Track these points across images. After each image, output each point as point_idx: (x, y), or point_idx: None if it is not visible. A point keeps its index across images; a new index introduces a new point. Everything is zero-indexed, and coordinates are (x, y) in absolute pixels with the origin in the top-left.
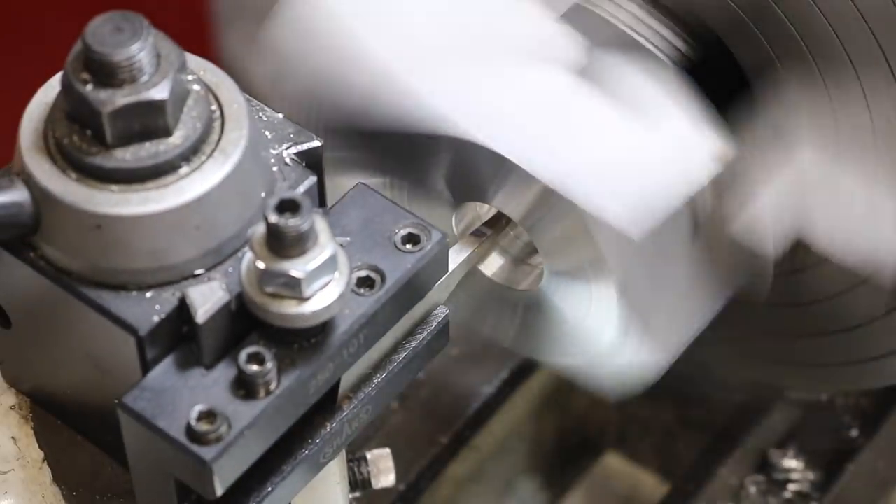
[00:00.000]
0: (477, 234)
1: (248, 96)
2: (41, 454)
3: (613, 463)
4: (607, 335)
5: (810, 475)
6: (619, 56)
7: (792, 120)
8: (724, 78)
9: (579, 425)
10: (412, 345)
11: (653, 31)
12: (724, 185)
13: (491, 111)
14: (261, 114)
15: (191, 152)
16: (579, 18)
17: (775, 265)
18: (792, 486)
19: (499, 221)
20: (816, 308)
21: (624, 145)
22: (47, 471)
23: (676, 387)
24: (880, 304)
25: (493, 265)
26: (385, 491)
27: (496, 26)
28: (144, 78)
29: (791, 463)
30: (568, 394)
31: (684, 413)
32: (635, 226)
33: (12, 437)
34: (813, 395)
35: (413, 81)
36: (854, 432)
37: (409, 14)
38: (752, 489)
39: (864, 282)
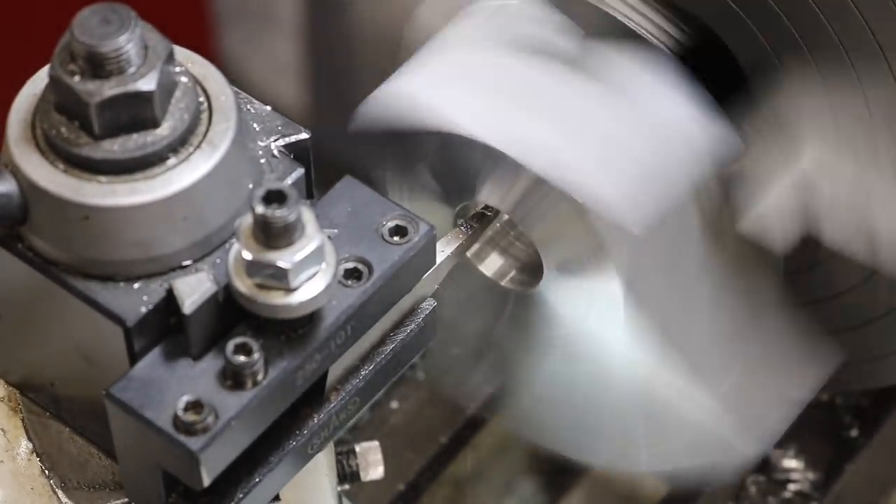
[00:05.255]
0: (465, 227)
1: (236, 89)
2: (30, 446)
3: None
4: (609, 336)
5: (810, 475)
6: (613, 45)
7: (792, 113)
8: (721, 70)
9: None
10: (400, 336)
11: (647, 20)
12: (728, 180)
13: (479, 102)
14: (248, 106)
15: (178, 144)
16: (570, 7)
17: (785, 263)
18: (792, 486)
19: (487, 214)
20: (830, 305)
21: (620, 134)
22: (36, 463)
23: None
24: (893, 294)
25: (492, 265)
26: (385, 491)
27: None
28: (132, 69)
29: (791, 463)
30: None
31: None
32: (637, 219)
33: (1, 429)
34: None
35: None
36: (854, 432)
37: None
38: (752, 489)
39: (874, 273)
